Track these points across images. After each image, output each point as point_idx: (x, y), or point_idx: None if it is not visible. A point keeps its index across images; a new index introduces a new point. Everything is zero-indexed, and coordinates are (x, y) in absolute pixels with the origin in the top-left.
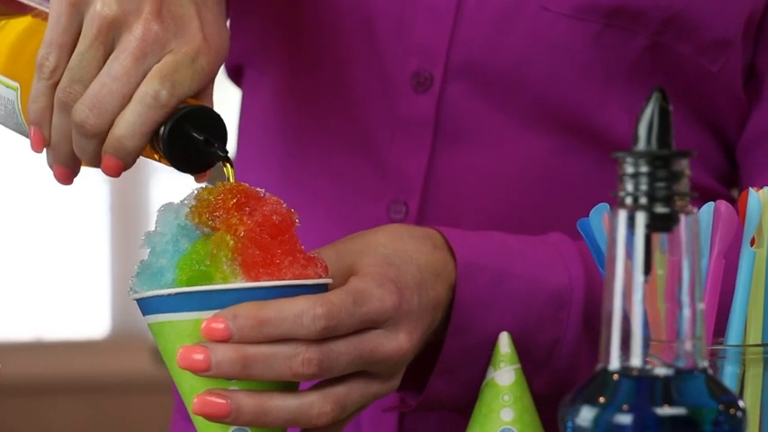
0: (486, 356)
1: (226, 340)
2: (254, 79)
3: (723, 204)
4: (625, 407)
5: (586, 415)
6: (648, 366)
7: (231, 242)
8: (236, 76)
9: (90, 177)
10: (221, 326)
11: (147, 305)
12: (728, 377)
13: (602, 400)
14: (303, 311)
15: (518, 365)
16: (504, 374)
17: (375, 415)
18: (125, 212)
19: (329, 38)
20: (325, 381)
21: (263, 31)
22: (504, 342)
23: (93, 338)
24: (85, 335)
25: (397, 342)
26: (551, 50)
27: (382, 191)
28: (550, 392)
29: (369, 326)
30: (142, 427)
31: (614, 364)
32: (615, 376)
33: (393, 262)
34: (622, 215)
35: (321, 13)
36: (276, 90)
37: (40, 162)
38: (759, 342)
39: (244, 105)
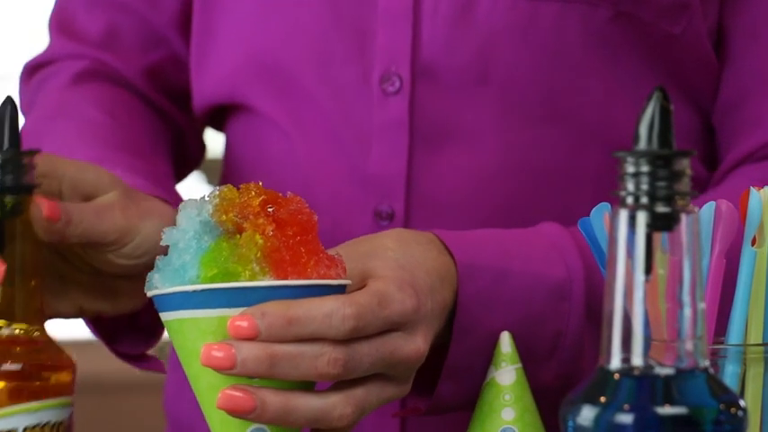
0: (491, 356)
1: (252, 338)
2: (231, 112)
3: (724, 204)
4: (626, 406)
5: (587, 414)
6: (649, 366)
7: (261, 241)
8: (213, 118)
9: None
10: (247, 323)
11: (167, 302)
12: (729, 376)
13: (603, 399)
14: (332, 311)
15: (519, 365)
16: (506, 374)
17: (378, 417)
18: None
19: (292, 63)
20: (343, 382)
21: (234, 68)
22: (505, 341)
23: (93, 338)
24: (86, 335)
25: (415, 345)
26: (513, 37)
27: (366, 198)
28: (557, 384)
29: (390, 328)
30: (142, 426)
31: (615, 363)
32: (616, 375)
33: (405, 266)
34: (623, 214)
35: (277, 40)
36: (250, 123)
37: None
38: (760, 341)
39: (228, 142)
